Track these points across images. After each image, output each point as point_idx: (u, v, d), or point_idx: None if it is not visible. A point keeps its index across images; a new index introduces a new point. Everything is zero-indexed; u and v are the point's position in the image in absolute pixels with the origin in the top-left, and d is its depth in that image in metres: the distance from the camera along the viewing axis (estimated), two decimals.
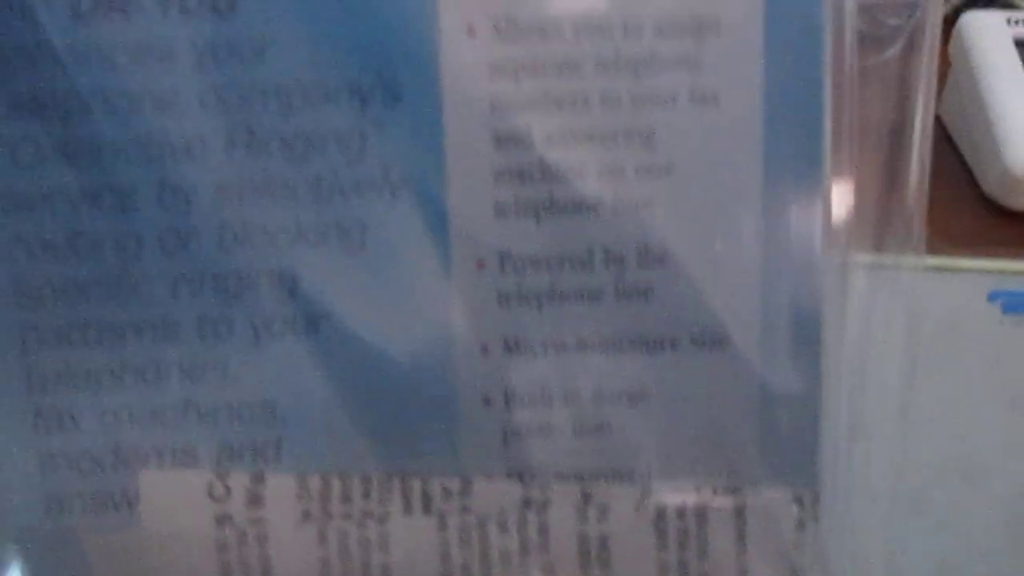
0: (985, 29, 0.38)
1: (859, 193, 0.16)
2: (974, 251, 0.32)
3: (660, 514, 0.16)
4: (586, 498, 0.16)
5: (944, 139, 0.41)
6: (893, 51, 0.15)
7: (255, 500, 0.16)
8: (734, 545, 0.16)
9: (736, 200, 0.15)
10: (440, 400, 0.16)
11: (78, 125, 0.15)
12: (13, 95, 0.15)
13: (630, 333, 0.16)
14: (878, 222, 0.16)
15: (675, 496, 0.16)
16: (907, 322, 0.16)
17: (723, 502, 0.16)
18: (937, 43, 0.15)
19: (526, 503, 0.16)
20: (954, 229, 0.35)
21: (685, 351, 0.16)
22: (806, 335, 0.16)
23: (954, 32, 0.40)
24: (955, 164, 0.40)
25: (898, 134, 0.16)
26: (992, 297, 0.27)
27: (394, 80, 0.15)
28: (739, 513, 0.16)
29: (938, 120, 0.42)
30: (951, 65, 0.41)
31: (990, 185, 0.37)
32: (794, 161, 0.15)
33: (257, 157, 0.15)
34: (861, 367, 0.16)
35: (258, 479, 0.16)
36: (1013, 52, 0.38)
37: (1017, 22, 0.39)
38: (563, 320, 0.16)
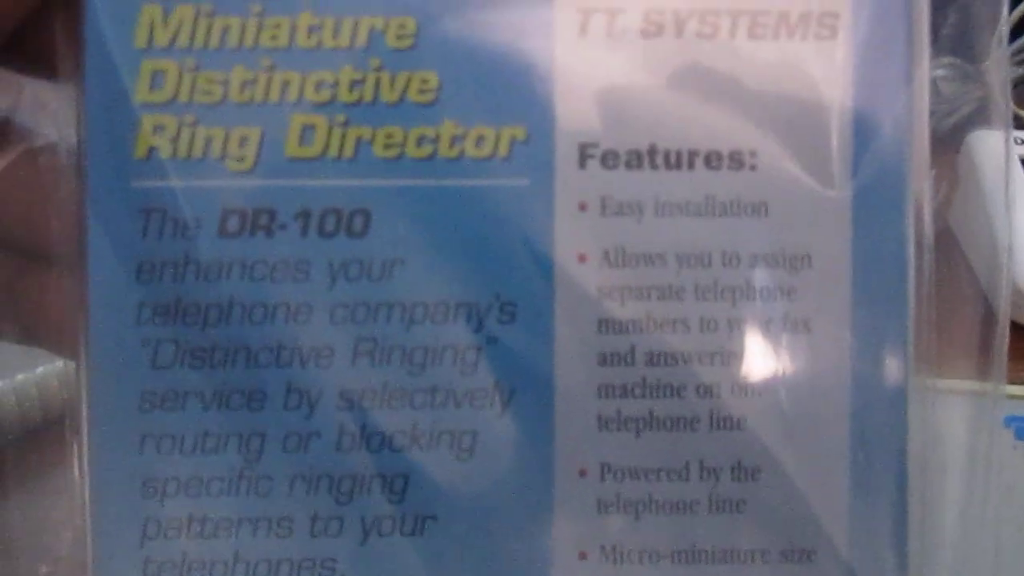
0: (992, 148, 0.39)
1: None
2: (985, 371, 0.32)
3: None
4: None
5: (955, 250, 0.42)
6: None
7: None
8: None
9: (825, 417, 0.16)
10: None
11: (216, 331, 0.16)
12: (159, 302, 0.16)
13: (723, 545, 0.16)
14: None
15: None
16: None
17: None
18: None
19: None
20: (965, 346, 0.35)
21: (775, 564, 0.16)
22: (894, 550, 0.16)
23: (962, 150, 0.38)
24: (966, 279, 0.40)
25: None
26: (1007, 422, 0.26)
27: (510, 301, 0.16)
28: None
29: (948, 230, 0.43)
30: (959, 180, 0.41)
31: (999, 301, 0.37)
32: (879, 382, 0.16)
33: (379, 367, 0.16)
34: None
35: None
36: (1021, 172, 0.39)
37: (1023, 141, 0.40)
38: (659, 530, 0.16)
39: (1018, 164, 0.39)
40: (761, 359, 0.16)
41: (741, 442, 0.16)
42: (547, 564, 0.16)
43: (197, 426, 0.16)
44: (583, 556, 0.16)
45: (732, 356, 0.16)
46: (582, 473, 0.16)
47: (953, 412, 0.26)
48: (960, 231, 0.42)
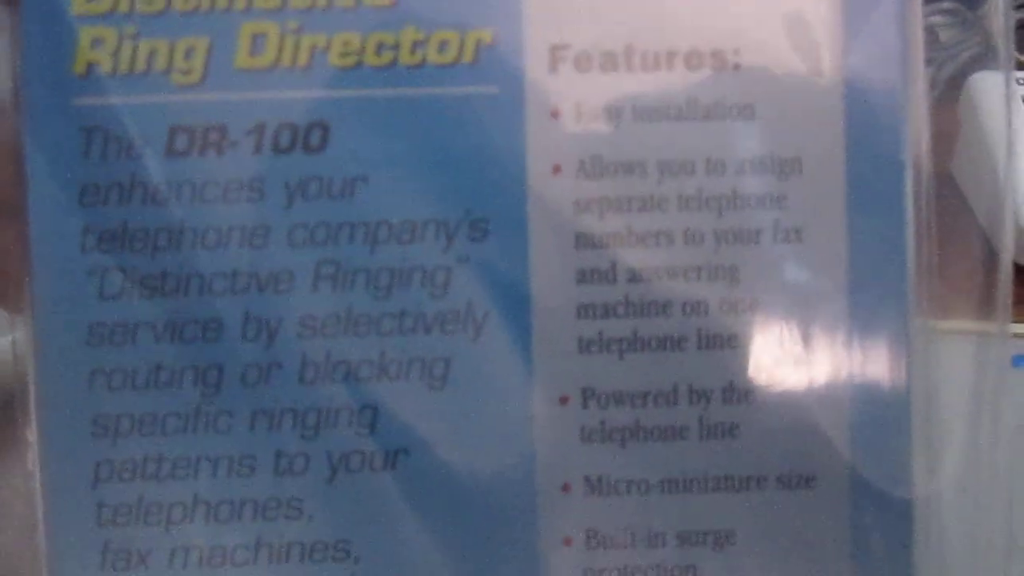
0: (994, 89, 0.38)
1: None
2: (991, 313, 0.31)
3: None
4: None
5: (958, 196, 0.42)
6: None
7: None
8: None
9: (822, 335, 0.15)
10: (519, 539, 0.15)
11: (167, 258, 0.15)
12: (104, 227, 0.15)
13: (715, 472, 0.15)
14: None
15: None
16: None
17: None
18: None
19: None
20: (968, 289, 0.35)
21: (772, 491, 0.15)
22: (897, 472, 0.15)
23: (963, 92, 0.39)
24: (969, 223, 0.40)
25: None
26: (1017, 362, 0.26)
27: (481, 217, 0.15)
28: None
29: (950, 177, 0.40)
30: (961, 126, 0.40)
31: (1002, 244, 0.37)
32: (880, 296, 0.15)
33: (342, 291, 0.15)
34: (958, 503, 0.16)
35: None
36: (1023, 110, 0.36)
37: None
38: (647, 458, 0.15)
39: (1020, 103, 0.35)
40: (751, 272, 0.15)
41: (732, 362, 0.15)
42: (529, 498, 0.15)
43: (150, 360, 0.15)
44: (567, 488, 0.15)
45: (720, 270, 0.15)
46: (563, 400, 0.15)
47: (957, 353, 0.26)
48: (962, 176, 0.40)
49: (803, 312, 0.15)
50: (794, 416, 0.15)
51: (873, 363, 0.15)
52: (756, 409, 0.15)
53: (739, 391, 0.15)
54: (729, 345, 0.15)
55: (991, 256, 0.37)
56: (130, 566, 0.15)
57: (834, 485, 0.15)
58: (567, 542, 0.15)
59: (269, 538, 0.15)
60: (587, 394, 0.15)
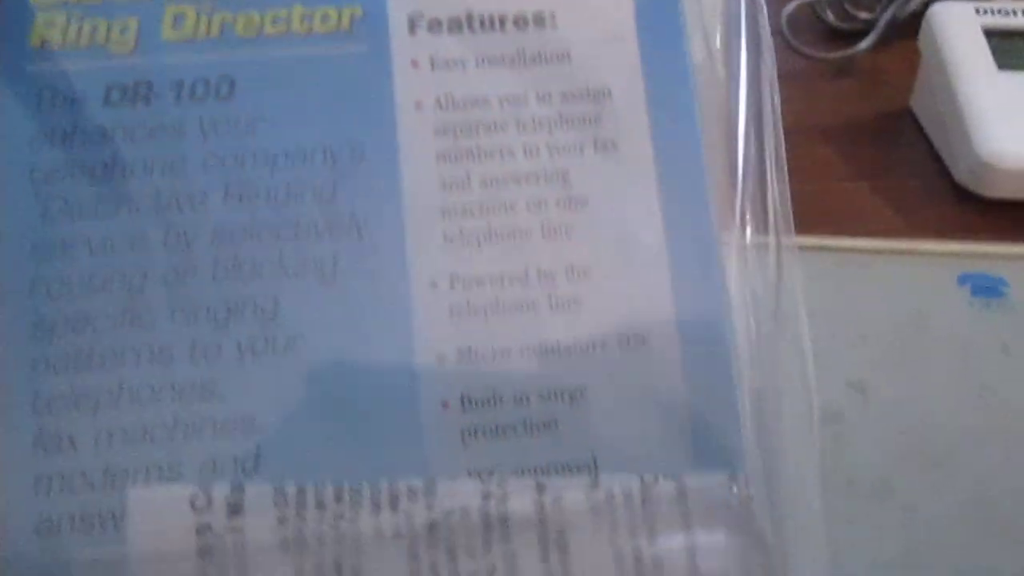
0: (954, 19, 0.38)
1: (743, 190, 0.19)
2: (944, 238, 0.31)
3: (610, 503, 0.18)
4: (541, 490, 0.18)
5: (916, 130, 0.41)
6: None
7: (235, 509, 0.17)
8: (680, 527, 0.17)
9: (641, 221, 0.19)
10: (403, 407, 0.18)
11: (101, 186, 0.18)
12: (50, 164, 0.18)
13: (565, 338, 0.18)
14: (759, 213, 0.19)
15: (621, 485, 0.18)
16: (797, 298, 0.19)
17: (665, 488, 0.18)
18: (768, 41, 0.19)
19: (486, 497, 0.17)
20: (926, 219, 0.35)
21: (614, 351, 0.18)
22: (717, 330, 0.18)
23: (923, 23, 0.39)
24: (927, 155, 0.39)
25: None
26: (961, 281, 0.27)
27: (360, 143, 0.19)
28: (681, 497, 0.18)
29: (910, 112, 0.43)
30: (921, 57, 0.41)
31: (961, 174, 0.37)
32: (684, 183, 0.19)
33: (248, 206, 0.18)
34: (770, 350, 0.19)
35: (238, 489, 0.17)
36: (983, 41, 0.38)
37: (986, 11, 0.39)
38: (507, 330, 0.18)
39: (979, 32, 0.38)
40: (579, 175, 0.19)
41: (570, 248, 0.19)
42: (410, 370, 0.18)
43: (83, 270, 0.18)
44: (441, 359, 0.18)
45: (554, 175, 0.19)
46: (434, 285, 0.18)
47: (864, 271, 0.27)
48: (921, 111, 0.42)
49: (625, 205, 0.19)
50: (627, 288, 0.18)
51: (685, 239, 0.19)
52: (595, 285, 0.18)
53: (579, 271, 0.18)
54: (567, 234, 0.19)
55: (951, 188, 0.38)
56: (60, 448, 0.17)
57: (665, 342, 0.18)
58: (445, 406, 0.18)
59: (185, 417, 0.17)
60: (454, 279, 0.18)
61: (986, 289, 0.28)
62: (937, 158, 0.40)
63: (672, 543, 0.17)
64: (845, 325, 0.26)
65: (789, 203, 0.19)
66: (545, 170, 0.19)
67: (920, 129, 0.42)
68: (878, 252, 0.29)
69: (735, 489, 0.18)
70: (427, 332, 0.18)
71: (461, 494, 0.17)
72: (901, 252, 0.29)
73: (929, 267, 0.28)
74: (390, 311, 0.18)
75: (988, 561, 0.21)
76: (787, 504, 0.18)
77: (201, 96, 0.19)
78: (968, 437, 0.24)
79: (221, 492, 0.17)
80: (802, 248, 0.29)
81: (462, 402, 0.18)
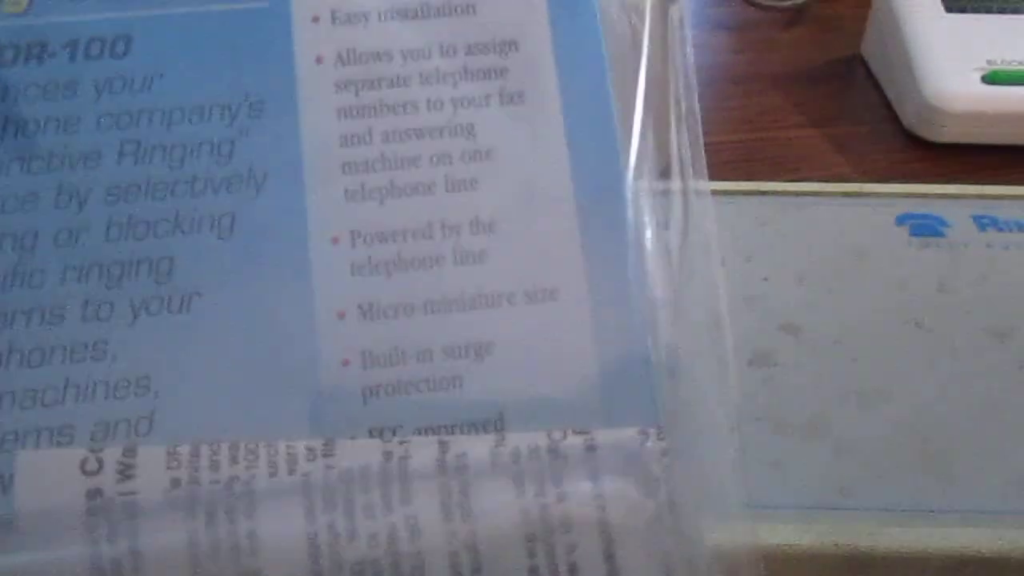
0: None
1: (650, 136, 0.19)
2: (888, 180, 0.32)
3: (515, 459, 0.17)
4: (444, 448, 0.17)
5: (867, 76, 0.42)
6: None
7: (126, 472, 0.17)
8: (588, 483, 0.17)
9: (548, 173, 0.18)
10: (302, 364, 0.17)
11: None
12: None
13: (470, 292, 0.18)
14: (668, 159, 0.19)
15: (528, 441, 0.17)
16: (709, 245, 0.18)
17: (573, 443, 0.17)
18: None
19: (387, 457, 0.17)
20: (875, 164, 0.36)
21: (521, 305, 0.18)
22: (629, 279, 0.18)
23: None
24: (877, 101, 0.40)
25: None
26: (900, 220, 0.27)
27: (259, 99, 0.18)
28: (590, 452, 0.17)
29: (861, 59, 0.44)
30: (872, 3, 0.41)
31: (909, 118, 0.37)
32: (592, 133, 0.18)
33: (143, 164, 0.18)
34: (683, 299, 0.18)
35: (130, 451, 0.17)
36: None
37: None
38: (410, 285, 0.18)
39: None
40: (485, 128, 0.18)
41: (476, 201, 0.18)
42: (309, 325, 0.17)
43: None
44: (341, 315, 0.18)
45: (459, 128, 0.18)
46: (335, 241, 0.18)
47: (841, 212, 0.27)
48: (871, 57, 0.42)
49: (532, 157, 0.18)
50: (534, 240, 0.18)
51: (593, 191, 0.18)
52: (501, 238, 0.18)
53: (484, 224, 0.18)
54: (472, 187, 0.18)
55: (898, 132, 0.38)
56: None
57: (574, 295, 0.18)
58: (345, 363, 0.17)
59: (77, 379, 0.17)
60: (355, 235, 0.18)
61: (925, 228, 0.27)
62: (887, 104, 0.39)
63: (581, 499, 0.17)
64: (781, 268, 0.26)
65: (702, 148, 0.19)
66: (449, 123, 0.18)
67: (870, 75, 0.42)
68: (816, 195, 0.29)
69: (648, 443, 0.17)
70: (327, 289, 0.18)
71: (361, 453, 0.17)
72: (839, 194, 0.29)
73: (868, 208, 0.28)
74: (289, 268, 0.18)
75: (923, 497, 0.21)
76: (703, 456, 0.17)
77: (96, 54, 0.18)
78: (903, 374, 0.23)
79: (112, 455, 0.17)
80: (740, 193, 0.29)
81: (363, 359, 0.17)
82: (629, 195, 0.18)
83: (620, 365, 0.18)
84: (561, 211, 0.18)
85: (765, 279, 0.26)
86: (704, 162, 0.19)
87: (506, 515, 0.17)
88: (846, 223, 0.28)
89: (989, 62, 0.37)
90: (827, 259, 0.26)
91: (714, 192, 0.25)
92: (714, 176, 0.18)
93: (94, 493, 0.16)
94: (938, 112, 0.36)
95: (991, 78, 0.36)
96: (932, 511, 0.20)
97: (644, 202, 0.18)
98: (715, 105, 0.40)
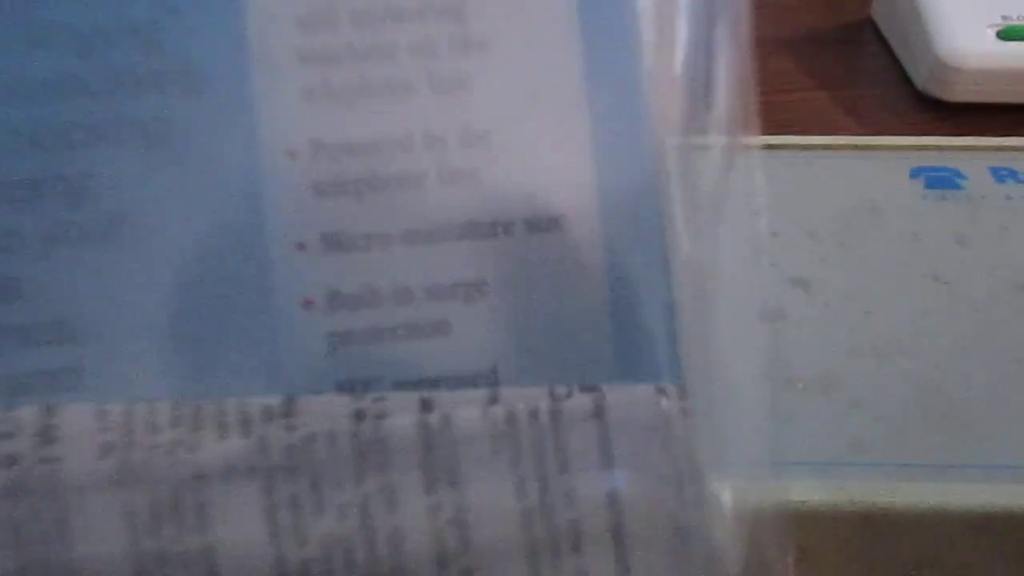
0: None
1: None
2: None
3: (511, 421, 0.14)
4: (427, 407, 0.14)
5: (877, 39, 0.42)
6: None
7: (47, 436, 0.14)
8: (597, 451, 0.14)
9: (556, 69, 0.15)
10: (255, 306, 0.14)
11: None
12: None
13: (459, 219, 0.15)
14: (703, 101, 0.15)
15: (526, 400, 0.14)
16: (751, 201, 0.15)
17: (579, 403, 0.14)
18: None
19: (359, 417, 0.14)
20: (887, 126, 0.35)
21: (520, 236, 0.15)
22: (648, 215, 0.15)
23: None
24: (888, 63, 0.40)
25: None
26: (914, 174, 0.26)
27: None
28: (599, 414, 0.14)
29: (871, 21, 0.43)
30: None
31: (922, 78, 0.36)
32: (613, 30, 0.15)
33: (49, 55, 0.14)
34: (711, 247, 0.15)
35: (51, 412, 0.14)
36: None
37: None
38: (386, 210, 0.15)
39: None
40: (478, 11, 0.15)
41: (468, 105, 0.15)
42: (262, 260, 0.14)
43: None
44: (302, 246, 0.14)
45: (446, 11, 0.15)
46: (291, 154, 0.14)
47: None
48: (882, 19, 0.41)
49: (535, 51, 0.15)
50: (537, 156, 0.15)
51: (613, 100, 0.15)
52: (496, 152, 0.15)
53: (477, 135, 0.15)
54: (462, 87, 0.15)
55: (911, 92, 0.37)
56: None
57: (583, 225, 0.15)
58: (307, 304, 0.14)
59: None
60: (316, 146, 0.14)
61: (941, 180, 0.26)
62: (898, 66, 0.39)
63: (587, 471, 0.14)
64: (792, 223, 0.25)
65: (752, 96, 0.15)
66: (434, 4, 0.15)
67: (881, 38, 0.42)
68: (825, 148, 0.28)
69: (664, 403, 0.15)
70: (284, 213, 0.14)
71: (327, 414, 0.14)
72: (849, 147, 0.28)
73: (880, 162, 0.27)
74: (236, 186, 0.14)
75: (937, 453, 0.19)
76: (728, 419, 0.15)
77: None
78: (919, 327, 0.22)
79: (30, 415, 0.14)
80: (747, 148, 0.28)
81: (329, 299, 0.14)
82: (657, 118, 0.15)
83: (635, 311, 0.15)
84: (570, 120, 0.15)
85: (774, 234, 0.24)
86: (753, 111, 0.15)
87: (500, 490, 0.14)
88: (857, 177, 0.27)
89: (1004, 18, 0.36)
90: (838, 213, 0.25)
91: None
92: None
93: (10, 460, 0.14)
94: (951, 70, 0.35)
95: (1006, 34, 0.35)
96: (951, 466, 0.19)
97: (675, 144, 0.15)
98: None
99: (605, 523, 0.14)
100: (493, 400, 0.14)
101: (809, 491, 0.19)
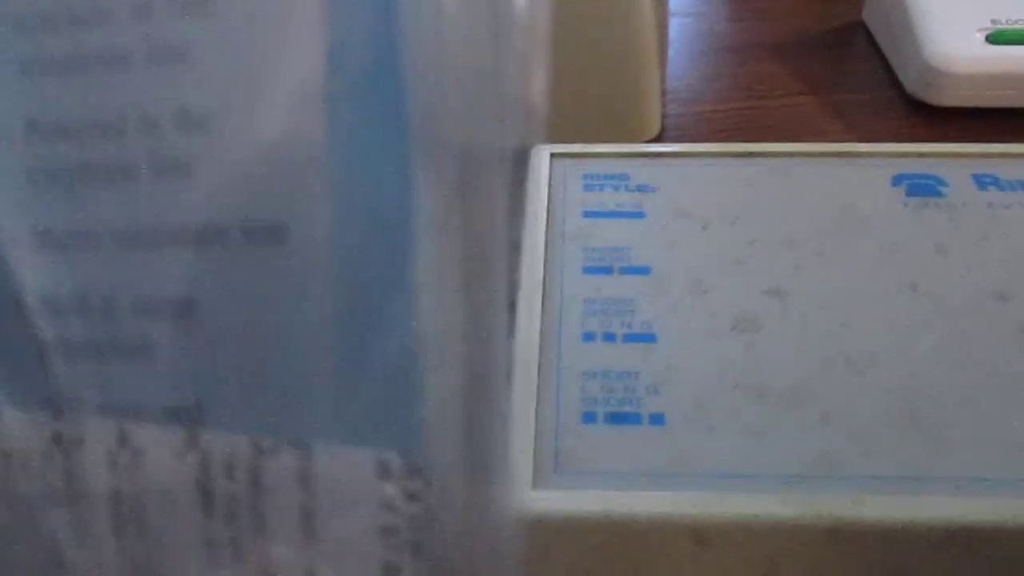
0: None
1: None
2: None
3: (206, 470, 0.12)
4: (122, 440, 0.12)
5: (868, 43, 0.41)
6: None
7: None
8: (297, 522, 0.12)
9: (293, 47, 0.11)
10: None
11: None
12: None
13: (170, 222, 0.12)
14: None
15: (225, 447, 0.12)
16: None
17: (283, 462, 0.12)
18: None
19: (56, 440, 0.13)
20: (876, 131, 0.34)
21: (236, 246, 0.12)
22: (395, 234, 0.11)
23: None
24: (878, 68, 0.39)
25: None
26: (896, 181, 0.25)
27: None
28: (304, 480, 0.12)
29: (862, 25, 0.42)
30: None
31: (912, 82, 0.36)
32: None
33: None
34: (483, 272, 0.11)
35: None
36: None
37: None
38: (97, 205, 0.12)
39: None
40: None
41: (183, 79, 0.12)
42: None
43: None
44: (15, 241, 0.13)
45: None
46: (5, 136, 0.13)
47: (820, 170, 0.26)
48: (873, 23, 0.41)
49: (272, 20, 0.12)
50: (263, 152, 0.12)
51: (358, 87, 0.11)
52: (215, 140, 0.12)
53: (194, 117, 0.12)
54: (182, 58, 0.12)
55: (900, 96, 0.37)
56: None
57: (313, 237, 0.12)
58: (17, 308, 0.13)
59: None
60: (31, 127, 0.13)
61: (922, 187, 0.25)
62: (888, 70, 0.38)
63: (284, 545, 0.12)
64: (769, 231, 0.24)
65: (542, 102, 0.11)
66: None
67: (872, 42, 0.41)
68: (806, 155, 0.27)
69: (390, 479, 0.11)
70: None
71: (28, 430, 0.13)
72: (831, 154, 0.27)
73: (861, 169, 0.26)
74: None
75: (912, 465, 0.18)
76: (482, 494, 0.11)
77: None
78: (895, 338, 0.21)
79: None
80: (726, 155, 0.27)
81: (42, 305, 0.13)
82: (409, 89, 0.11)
83: (369, 356, 0.11)
84: (306, 108, 0.11)
85: (751, 242, 0.24)
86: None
87: (188, 545, 0.12)
88: (838, 184, 0.26)
89: (993, 21, 0.36)
90: (817, 221, 0.24)
91: (699, 154, 0.27)
92: None
93: None
94: (941, 74, 0.35)
95: (996, 38, 0.35)
96: (921, 479, 0.18)
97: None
98: (712, 74, 0.38)
99: None
100: (191, 443, 0.12)
101: (776, 504, 0.18)
